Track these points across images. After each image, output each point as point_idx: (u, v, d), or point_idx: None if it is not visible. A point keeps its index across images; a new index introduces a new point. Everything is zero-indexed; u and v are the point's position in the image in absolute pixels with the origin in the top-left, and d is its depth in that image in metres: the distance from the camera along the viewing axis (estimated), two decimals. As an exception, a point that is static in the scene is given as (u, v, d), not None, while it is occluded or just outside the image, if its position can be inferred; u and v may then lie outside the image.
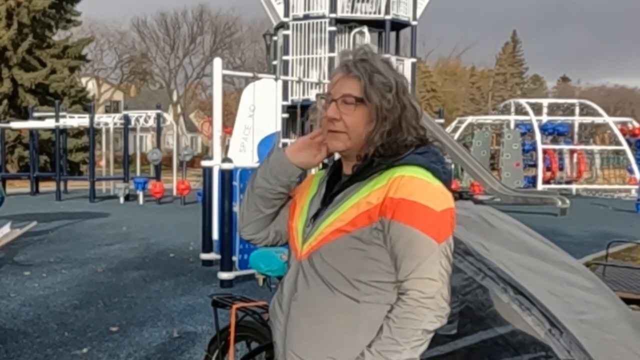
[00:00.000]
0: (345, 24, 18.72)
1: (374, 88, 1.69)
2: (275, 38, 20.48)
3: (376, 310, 1.66)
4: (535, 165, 23.86)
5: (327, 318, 1.68)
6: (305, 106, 13.30)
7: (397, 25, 19.46)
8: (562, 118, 27.27)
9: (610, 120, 25.49)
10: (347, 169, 1.79)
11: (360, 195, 1.68)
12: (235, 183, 7.49)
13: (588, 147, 25.80)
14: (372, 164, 1.69)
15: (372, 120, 1.70)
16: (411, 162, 1.68)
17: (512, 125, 25.54)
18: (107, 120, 21.56)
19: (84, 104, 29.68)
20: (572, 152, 25.08)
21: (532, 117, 24.16)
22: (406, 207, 1.61)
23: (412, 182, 1.63)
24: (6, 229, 5.98)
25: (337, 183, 1.80)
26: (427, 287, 1.60)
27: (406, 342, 1.59)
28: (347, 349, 1.66)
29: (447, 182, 1.73)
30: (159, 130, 21.51)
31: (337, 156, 1.85)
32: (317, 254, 1.70)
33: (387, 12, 18.54)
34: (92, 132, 19.10)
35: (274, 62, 20.42)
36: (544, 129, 24.50)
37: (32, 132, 21.99)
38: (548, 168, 23.98)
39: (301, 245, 1.76)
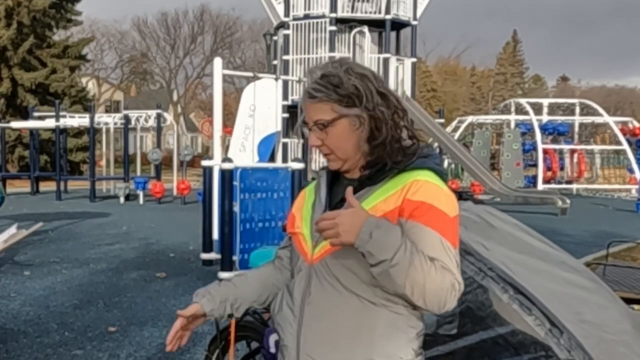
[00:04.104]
0: (346, 24, 18.71)
1: (337, 103, 1.68)
2: (275, 38, 20.48)
3: (392, 312, 1.68)
4: (535, 165, 23.86)
5: (344, 320, 1.69)
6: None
7: (397, 25, 19.45)
8: (563, 118, 27.26)
9: (610, 120, 25.49)
10: (349, 173, 1.80)
11: (375, 199, 1.68)
12: (236, 183, 7.48)
13: (588, 147, 25.80)
14: (384, 168, 1.70)
15: (351, 132, 1.70)
16: (421, 166, 1.70)
17: (512, 125, 25.54)
18: (108, 120, 21.54)
19: (84, 103, 29.68)
20: (572, 151, 25.08)
21: (533, 117, 24.16)
22: (425, 209, 1.63)
23: (428, 186, 1.66)
24: (12, 229, 5.98)
25: (335, 186, 1.81)
26: (453, 267, 1.63)
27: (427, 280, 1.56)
28: (363, 351, 1.67)
29: (446, 181, 1.77)
30: (159, 130, 21.50)
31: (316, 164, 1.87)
32: (333, 257, 1.70)
33: (387, 12, 18.53)
34: (93, 132, 19.10)
35: (274, 62, 20.41)
36: (544, 128, 24.49)
37: (32, 132, 21.98)
38: (548, 168, 23.98)
39: (312, 250, 1.76)
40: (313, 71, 1.74)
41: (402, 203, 1.64)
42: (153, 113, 21.18)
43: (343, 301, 1.69)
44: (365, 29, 18.49)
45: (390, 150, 1.70)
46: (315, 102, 1.70)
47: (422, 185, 1.65)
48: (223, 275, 7.38)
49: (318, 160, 16.61)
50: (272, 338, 1.98)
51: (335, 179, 1.83)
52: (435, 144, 18.73)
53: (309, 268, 1.76)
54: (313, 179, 1.94)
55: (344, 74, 1.68)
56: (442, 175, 1.72)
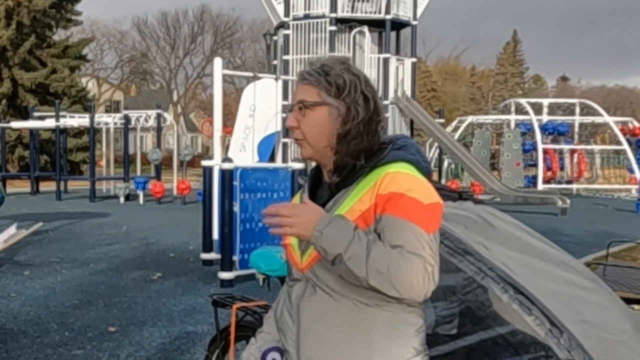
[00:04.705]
0: (346, 24, 18.68)
1: (323, 90, 1.71)
2: (275, 38, 20.46)
3: (387, 311, 1.68)
4: (535, 165, 23.85)
5: (340, 323, 1.69)
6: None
7: (398, 25, 19.42)
8: (563, 118, 27.26)
9: (610, 119, 25.48)
10: (327, 176, 1.81)
11: (351, 200, 1.68)
12: (236, 183, 7.48)
13: (588, 147, 25.79)
14: (354, 168, 1.71)
15: (328, 122, 1.71)
16: (393, 159, 1.69)
17: (512, 125, 25.53)
18: (108, 120, 21.54)
19: (84, 103, 29.67)
20: (572, 151, 25.07)
21: (533, 117, 24.15)
22: (395, 199, 1.62)
23: (398, 177, 1.65)
24: (12, 229, 5.99)
25: (317, 191, 1.82)
26: (424, 251, 1.59)
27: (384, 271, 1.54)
28: (362, 352, 1.68)
29: (428, 173, 1.75)
30: (159, 130, 21.50)
31: (312, 164, 1.87)
32: (319, 263, 1.70)
33: (387, 11, 18.51)
34: (93, 131, 19.09)
35: (274, 62, 20.40)
36: (544, 128, 24.48)
37: (32, 132, 21.98)
38: (548, 168, 23.97)
39: (300, 258, 1.77)
40: (312, 62, 1.78)
41: (375, 199, 1.64)
42: (153, 113, 21.18)
43: (337, 304, 1.69)
44: (365, 29, 18.46)
45: (351, 148, 1.70)
46: (304, 84, 1.74)
47: (393, 177, 1.64)
48: (223, 275, 7.37)
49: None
50: (270, 356, 1.99)
51: (318, 183, 1.84)
52: (435, 144, 18.73)
53: (302, 276, 1.78)
54: (300, 186, 1.95)
55: (337, 66, 1.73)
56: (417, 164, 1.71)
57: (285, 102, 15.95)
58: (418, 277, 1.55)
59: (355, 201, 1.67)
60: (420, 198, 1.63)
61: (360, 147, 1.70)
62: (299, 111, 1.73)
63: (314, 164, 1.85)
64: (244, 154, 11.50)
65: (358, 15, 18.61)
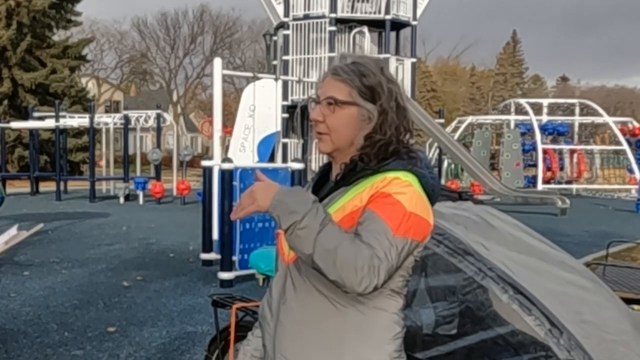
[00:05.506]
0: (345, 24, 18.70)
1: (357, 90, 1.70)
2: (275, 38, 20.47)
3: (363, 314, 1.66)
4: (535, 165, 23.85)
5: (315, 321, 1.69)
6: (305, 106, 13.30)
7: (397, 25, 19.43)
8: (562, 118, 27.26)
9: (610, 120, 25.48)
10: (338, 168, 1.80)
11: (346, 199, 1.68)
12: (235, 183, 7.48)
13: (588, 147, 25.79)
14: (355, 168, 1.70)
15: (355, 122, 1.71)
16: (398, 167, 1.68)
17: (512, 125, 25.53)
18: (107, 120, 21.54)
19: (84, 104, 29.65)
20: (572, 152, 25.07)
21: (532, 117, 24.15)
22: (380, 197, 1.61)
23: (395, 181, 1.64)
24: (13, 230, 6.00)
25: (323, 187, 1.81)
26: (379, 246, 1.55)
27: (327, 247, 1.51)
28: (335, 352, 1.67)
29: (434, 187, 1.72)
30: (159, 130, 21.49)
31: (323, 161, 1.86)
32: None
33: (387, 12, 18.52)
34: (92, 132, 19.09)
35: (274, 62, 20.41)
36: (544, 128, 24.49)
37: (32, 132, 21.98)
38: (548, 168, 23.97)
39: (288, 249, 1.76)
40: (345, 56, 1.76)
41: (367, 200, 1.63)
42: (153, 113, 21.18)
43: (314, 301, 1.68)
44: (365, 29, 18.47)
45: (377, 151, 1.70)
46: (337, 80, 1.72)
47: (390, 180, 1.64)
48: (223, 275, 7.37)
49: (318, 160, 16.59)
50: None
51: (325, 179, 1.84)
52: (435, 144, 18.72)
53: (285, 268, 1.78)
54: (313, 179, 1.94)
55: (375, 68, 1.71)
56: (423, 178, 1.69)
57: (285, 103, 15.97)
58: (364, 265, 1.50)
59: (349, 200, 1.67)
60: (405, 203, 1.60)
61: (388, 151, 1.70)
62: (327, 106, 1.72)
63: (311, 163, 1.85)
64: (243, 154, 11.50)
65: (358, 15, 18.62)
